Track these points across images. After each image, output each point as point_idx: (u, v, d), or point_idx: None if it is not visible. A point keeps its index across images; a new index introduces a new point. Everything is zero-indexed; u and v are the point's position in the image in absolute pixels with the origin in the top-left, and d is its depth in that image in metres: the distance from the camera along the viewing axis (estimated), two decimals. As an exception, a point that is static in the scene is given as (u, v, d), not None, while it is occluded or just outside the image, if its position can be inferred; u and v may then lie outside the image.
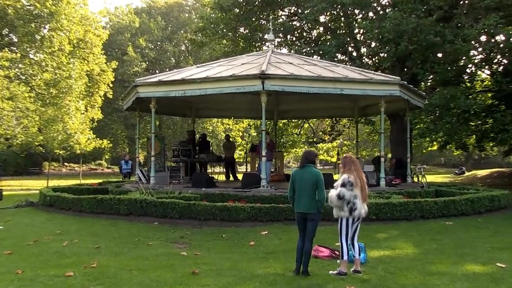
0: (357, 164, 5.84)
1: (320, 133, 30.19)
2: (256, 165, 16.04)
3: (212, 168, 18.81)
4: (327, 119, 27.35)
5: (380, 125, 13.69)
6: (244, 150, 18.78)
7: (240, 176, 15.91)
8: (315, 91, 11.71)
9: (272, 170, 18.73)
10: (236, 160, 24.57)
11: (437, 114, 18.08)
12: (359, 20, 19.71)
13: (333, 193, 5.80)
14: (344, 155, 6.07)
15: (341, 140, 31.05)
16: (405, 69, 18.38)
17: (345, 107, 18.44)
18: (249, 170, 17.20)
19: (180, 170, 15.83)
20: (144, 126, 40.41)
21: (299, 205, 5.91)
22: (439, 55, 18.06)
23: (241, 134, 40.93)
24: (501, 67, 19.08)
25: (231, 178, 18.26)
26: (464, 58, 16.96)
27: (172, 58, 46.41)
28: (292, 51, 19.22)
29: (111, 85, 30.77)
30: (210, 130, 40.40)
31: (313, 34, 21.80)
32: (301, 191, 5.87)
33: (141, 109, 15.44)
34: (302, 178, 5.83)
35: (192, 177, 13.88)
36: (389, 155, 20.66)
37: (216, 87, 11.71)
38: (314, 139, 28.42)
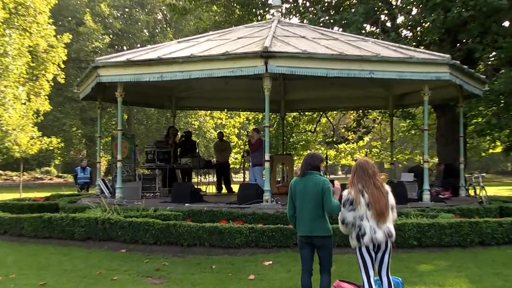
0: (366, 171, 5.79)
1: (342, 130, 30.40)
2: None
3: (199, 176, 18.99)
4: (352, 112, 27.57)
5: (423, 120, 13.77)
6: (242, 153, 18.94)
7: (236, 188, 16.08)
8: (336, 74, 11.80)
9: (279, 179, 18.98)
10: (231, 166, 24.87)
11: (501, 104, 18.14)
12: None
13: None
14: (358, 159, 6.07)
15: (369, 139, 31.08)
16: (458, 45, 18.35)
17: (376, 95, 18.62)
18: (247, 179, 17.43)
19: (156, 179, 16.03)
20: (107, 121, 40.71)
21: (302, 226, 5.99)
22: (506, 23, 17.95)
23: (237, 131, 41.17)
24: None
25: (224, 189, 18.45)
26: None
27: (145, 30, 46.52)
28: (305, 21, 19.17)
29: (62, 66, 30.83)
30: (196, 127, 40.82)
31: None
32: (303, 208, 5.95)
33: (104, 99, 15.43)
34: (304, 190, 5.97)
35: (172, 188, 14.04)
36: (436, 160, 20.52)
37: (204, 69, 11.84)
38: (334, 138, 28.56)
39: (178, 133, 18.44)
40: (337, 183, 6.15)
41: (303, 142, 30.70)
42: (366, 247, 5.65)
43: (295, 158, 29.32)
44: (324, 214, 5.92)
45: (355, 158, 35.09)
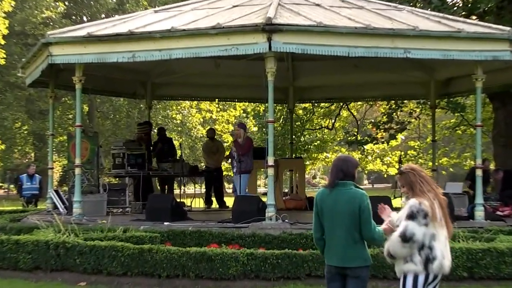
0: (430, 181, 5.91)
1: (369, 126, 30.52)
2: (261, 182, 16.79)
3: (182, 186, 19.10)
4: (381, 103, 27.76)
5: (475, 113, 13.88)
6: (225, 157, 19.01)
7: (230, 201, 16.14)
8: (361, 53, 11.84)
9: (286, 190, 19.24)
10: (225, 173, 24.94)
11: None
12: None
13: (394, 234, 5.79)
14: (405, 166, 6.10)
15: (403, 138, 31.01)
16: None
17: (413, 81, 18.71)
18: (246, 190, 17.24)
19: (126, 190, 16.10)
20: (62, 114, 40.58)
21: (333, 254, 5.95)
22: None
23: (231, 128, 41.09)
24: None
25: (215, 203, 18.59)
26: None
27: (110, -4, 46.38)
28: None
29: (2, 42, 30.71)
30: (179, 122, 40.98)
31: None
32: (334, 230, 5.88)
33: (58, 85, 15.56)
34: (334, 207, 5.90)
35: (147, 202, 14.15)
36: (492, 166, 20.35)
37: (188, 47, 11.89)
38: (358, 137, 28.60)
39: (154, 131, 18.84)
40: (381, 205, 6.16)
41: (318, 142, 30.84)
42: (426, 276, 5.70)
43: (307, 162, 29.69)
44: (361, 238, 5.86)
45: (385, 162, 35.22)
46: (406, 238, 5.66)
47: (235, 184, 15.78)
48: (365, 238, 5.84)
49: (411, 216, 5.70)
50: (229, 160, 17.57)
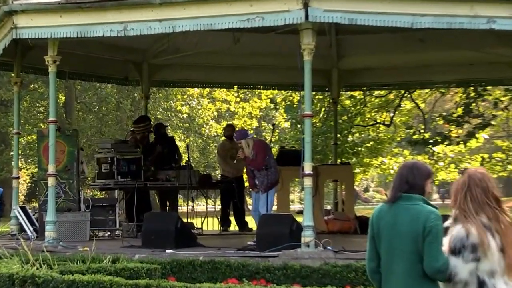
0: (488, 191, 5.71)
1: (440, 121, 30.15)
2: (294, 196, 16.88)
3: (190, 202, 18.38)
4: (456, 91, 27.64)
5: None
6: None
7: (253, 223, 16.25)
8: (428, 23, 11.79)
9: (329, 207, 19.38)
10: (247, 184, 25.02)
11: None
12: None
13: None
14: (464, 171, 6.02)
15: (487, 136, 30.47)
16: None
17: (499, 61, 18.62)
18: (274, 207, 16.88)
19: (116, 207, 16.21)
20: (30, 106, 40.52)
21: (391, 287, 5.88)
22: None
23: (255, 124, 40.96)
24: None
25: (234, 224, 18.60)
26: None
27: None
28: None
29: None
30: (185, 116, 41.17)
31: None
32: (392, 258, 5.81)
33: (25, 68, 15.79)
34: (393, 227, 5.82)
35: (144, 223, 14.24)
36: None
37: (197, 16, 11.95)
38: (426, 136, 28.52)
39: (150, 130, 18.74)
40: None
41: (371, 142, 30.61)
42: None
43: (357, 170, 29.29)
44: (422, 268, 5.71)
45: (462, 168, 34.56)
46: (450, 278, 5.65)
47: (253, 201, 15.87)
48: (427, 270, 5.65)
49: (454, 252, 5.63)
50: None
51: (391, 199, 5.86)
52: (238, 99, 41.07)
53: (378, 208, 5.96)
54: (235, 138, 16.05)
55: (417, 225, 5.65)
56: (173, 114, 40.19)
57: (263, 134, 39.65)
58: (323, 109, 27.48)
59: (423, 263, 5.65)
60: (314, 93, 20.83)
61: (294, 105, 28.15)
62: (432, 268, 5.62)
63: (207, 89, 37.79)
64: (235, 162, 18.56)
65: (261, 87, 26.74)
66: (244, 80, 22.48)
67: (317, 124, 26.88)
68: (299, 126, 27.17)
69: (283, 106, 31.93)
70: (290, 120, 32.42)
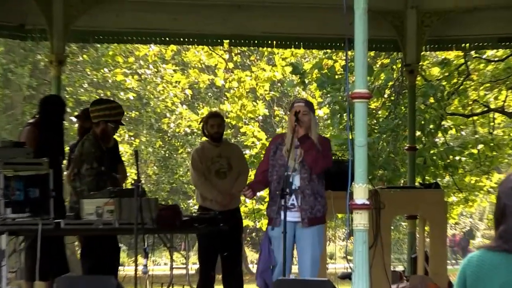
0: None
1: None
2: (335, 243, 19.56)
3: (141, 258, 15.96)
4: None
5: None
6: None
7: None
8: None
9: (401, 267, 19.82)
10: (245, 222, 22.00)
11: None
12: None
13: None
14: None
15: None
16: None
17: None
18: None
19: (4, 261, 13.78)
20: None
21: None
22: None
23: (259, 112, 33.17)
24: None
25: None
26: None
27: None
28: None
29: None
30: (132, 98, 33.09)
31: None
32: None
33: None
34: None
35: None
36: None
37: None
38: None
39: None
40: None
41: (481, 146, 24.40)
42: None
43: (453, 198, 24.81)
44: None
45: None
46: None
47: (264, 250, 12.33)
48: None
49: None
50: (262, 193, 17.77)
51: (498, 243, 4.67)
52: (230, 66, 31.03)
53: (475, 257, 4.77)
54: (297, 103, 12.35)
55: None
56: (110, 93, 32.24)
57: (277, 129, 31.74)
58: (390, 84, 21.65)
59: None
60: (373, 54, 18.55)
61: (336, 77, 22.10)
62: None
63: (173, 47, 29.19)
64: (225, 180, 14.62)
65: (275, 42, 20.33)
66: (242, 31, 17.87)
67: (380, 113, 21.89)
68: (342, 115, 21.00)
69: (315, 79, 24.39)
70: (328, 105, 24.82)
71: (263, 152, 17.01)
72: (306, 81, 24.16)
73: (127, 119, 29.18)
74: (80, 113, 15.06)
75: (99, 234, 13.40)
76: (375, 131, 20.42)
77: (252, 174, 15.74)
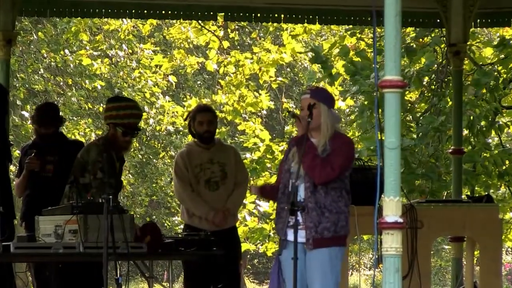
0: None
1: None
2: (360, 272, 22.49)
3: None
4: None
5: None
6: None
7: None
8: None
9: None
10: (248, 247, 22.50)
11: None
12: None
13: None
14: None
15: None
16: None
17: None
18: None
19: None
20: None
21: None
22: None
23: (263, 105, 30.72)
24: None
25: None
26: None
27: None
28: None
29: None
30: (99, 87, 31.06)
31: None
32: None
33: None
34: None
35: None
36: None
37: None
38: None
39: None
40: None
41: None
42: None
43: (509, 210, 22.50)
44: None
45: None
46: None
47: (273, 280, 9.99)
48: None
49: None
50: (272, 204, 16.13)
51: None
52: (226, 45, 27.90)
53: None
54: (303, 96, 10.42)
55: None
56: (71, 81, 30.91)
57: (286, 127, 29.74)
58: (431, 69, 19.37)
59: None
60: (408, 31, 17.39)
61: (363, 60, 19.71)
62: None
63: (153, 21, 27.03)
64: (218, 191, 13.28)
65: (282, 16, 18.03)
66: (241, 1, 16.49)
67: (418, 105, 19.87)
68: (368, 111, 18.81)
69: (337, 62, 22.38)
70: (352, 96, 22.69)
71: (267, 156, 15.37)
72: (333, 72, 20.83)
73: (94, 113, 27.76)
74: (34, 115, 13.04)
75: (60, 260, 11.35)
76: (412, 129, 18.40)
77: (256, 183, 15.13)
